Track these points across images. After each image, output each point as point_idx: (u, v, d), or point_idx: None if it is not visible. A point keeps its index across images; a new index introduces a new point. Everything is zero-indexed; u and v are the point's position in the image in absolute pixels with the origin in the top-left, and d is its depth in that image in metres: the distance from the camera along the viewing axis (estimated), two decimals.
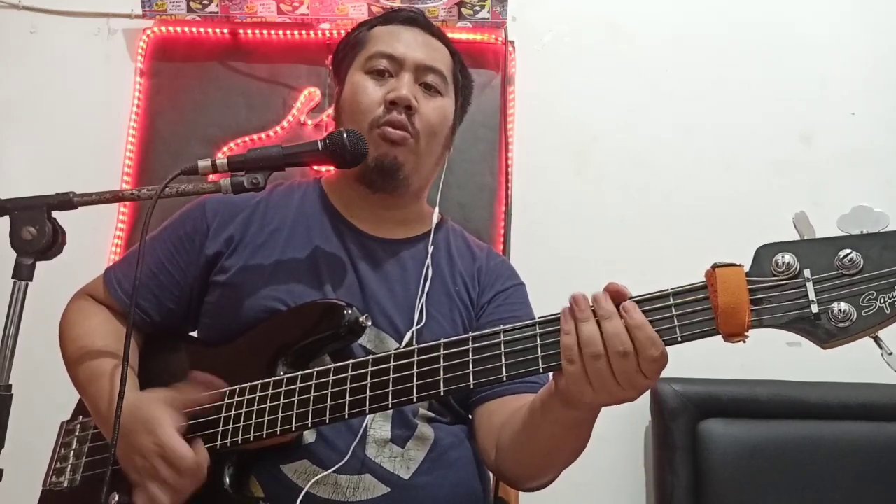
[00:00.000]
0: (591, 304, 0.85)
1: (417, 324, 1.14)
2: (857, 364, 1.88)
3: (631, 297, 0.85)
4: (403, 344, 1.12)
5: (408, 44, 1.22)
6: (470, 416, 1.20)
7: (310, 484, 1.01)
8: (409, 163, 1.20)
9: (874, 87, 2.22)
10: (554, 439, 1.01)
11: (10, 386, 0.95)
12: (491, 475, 1.22)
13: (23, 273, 0.97)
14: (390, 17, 1.28)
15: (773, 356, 1.88)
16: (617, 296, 0.85)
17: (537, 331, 0.89)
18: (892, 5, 2.26)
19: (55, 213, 1.01)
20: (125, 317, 1.19)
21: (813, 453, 1.86)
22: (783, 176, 2.16)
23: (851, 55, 2.24)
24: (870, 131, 2.19)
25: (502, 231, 2.13)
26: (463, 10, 2.16)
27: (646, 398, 1.96)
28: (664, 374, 2.04)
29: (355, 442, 1.05)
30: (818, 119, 2.20)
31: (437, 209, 1.31)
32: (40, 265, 0.99)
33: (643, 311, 0.83)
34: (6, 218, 1.00)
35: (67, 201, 1.02)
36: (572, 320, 0.85)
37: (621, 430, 2.06)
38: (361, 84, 1.21)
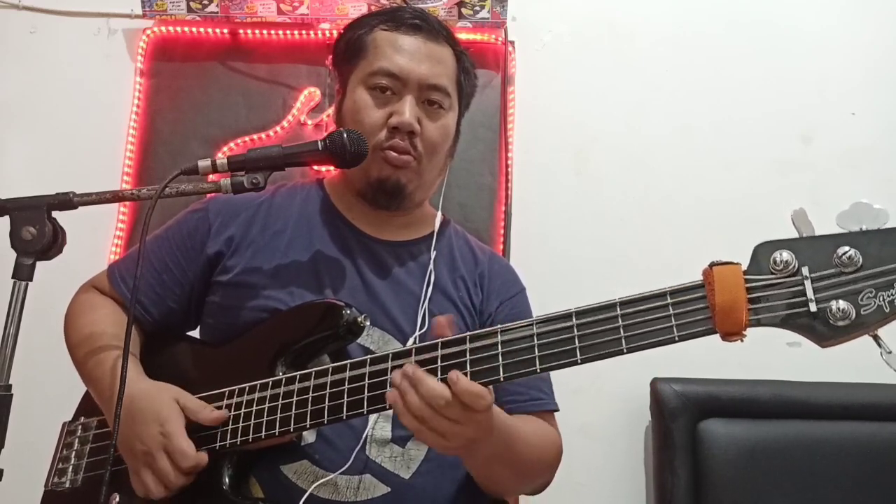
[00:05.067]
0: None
1: (421, 328, 1.14)
2: (857, 364, 1.88)
3: (620, 299, 0.86)
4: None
5: (411, 57, 1.19)
6: None
7: (313, 487, 1.01)
8: (412, 182, 1.20)
9: (874, 87, 2.22)
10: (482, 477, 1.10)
11: (10, 386, 0.95)
12: None
13: (23, 273, 0.97)
14: (394, 18, 1.22)
15: (773, 356, 1.87)
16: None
17: (535, 330, 0.89)
18: (892, 5, 2.26)
19: (55, 213, 1.01)
20: (128, 310, 1.19)
21: (813, 453, 1.86)
22: (783, 176, 2.16)
23: (851, 55, 2.23)
24: (870, 131, 2.19)
25: (502, 231, 2.12)
26: (463, 10, 2.15)
27: (646, 398, 1.96)
28: (664, 373, 2.04)
29: (358, 444, 1.05)
30: (818, 119, 2.20)
31: (439, 211, 1.31)
32: (40, 265, 0.99)
33: (639, 311, 0.84)
34: (6, 218, 1.00)
35: (67, 201, 1.02)
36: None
37: (621, 430, 2.06)
38: (363, 101, 1.19)
